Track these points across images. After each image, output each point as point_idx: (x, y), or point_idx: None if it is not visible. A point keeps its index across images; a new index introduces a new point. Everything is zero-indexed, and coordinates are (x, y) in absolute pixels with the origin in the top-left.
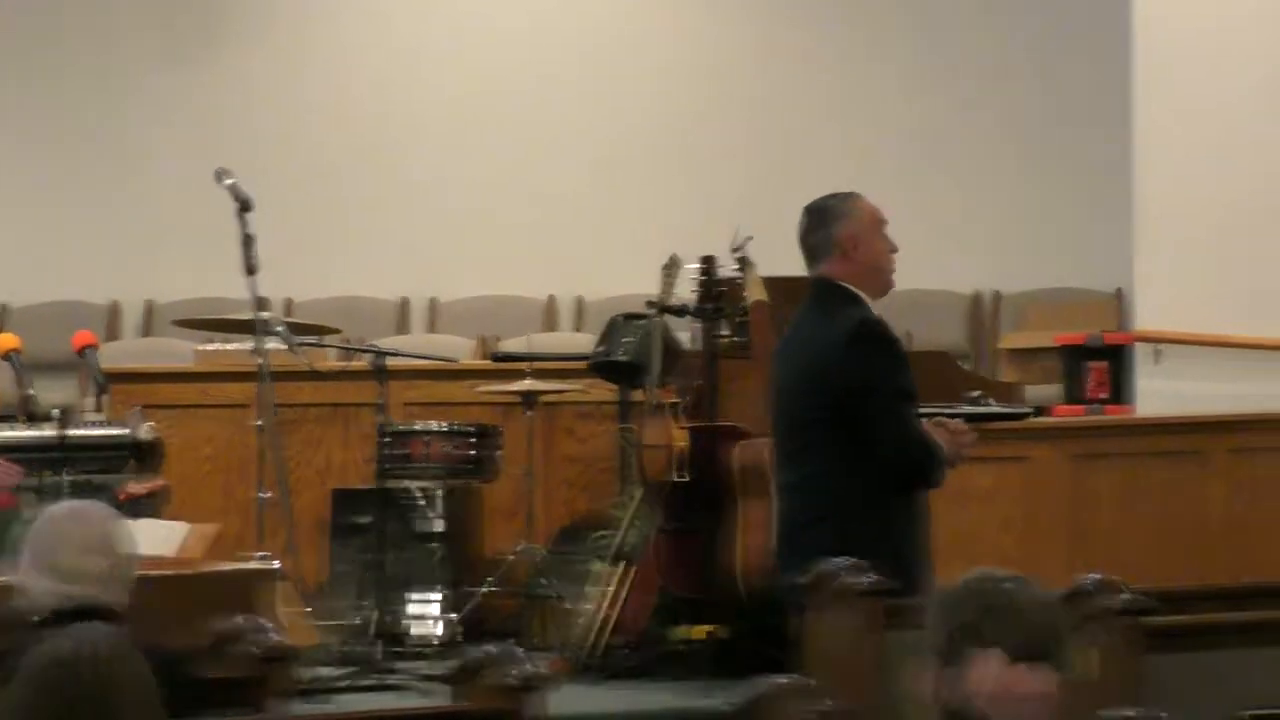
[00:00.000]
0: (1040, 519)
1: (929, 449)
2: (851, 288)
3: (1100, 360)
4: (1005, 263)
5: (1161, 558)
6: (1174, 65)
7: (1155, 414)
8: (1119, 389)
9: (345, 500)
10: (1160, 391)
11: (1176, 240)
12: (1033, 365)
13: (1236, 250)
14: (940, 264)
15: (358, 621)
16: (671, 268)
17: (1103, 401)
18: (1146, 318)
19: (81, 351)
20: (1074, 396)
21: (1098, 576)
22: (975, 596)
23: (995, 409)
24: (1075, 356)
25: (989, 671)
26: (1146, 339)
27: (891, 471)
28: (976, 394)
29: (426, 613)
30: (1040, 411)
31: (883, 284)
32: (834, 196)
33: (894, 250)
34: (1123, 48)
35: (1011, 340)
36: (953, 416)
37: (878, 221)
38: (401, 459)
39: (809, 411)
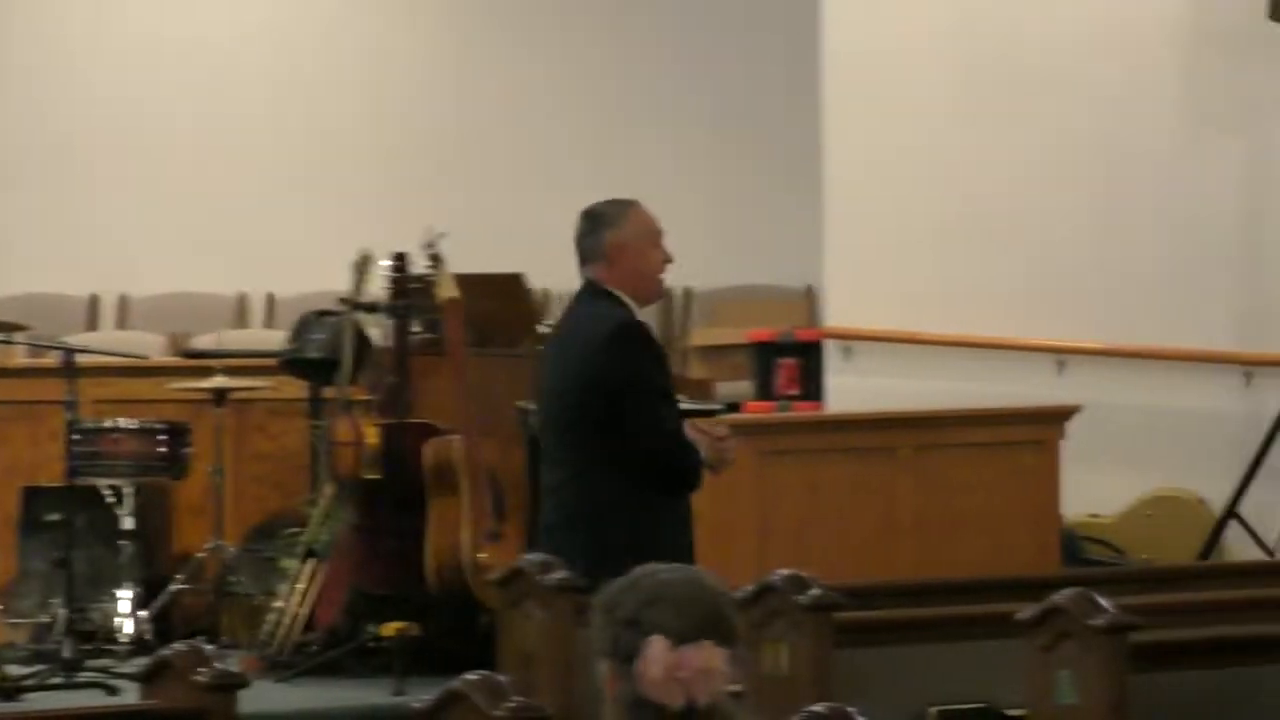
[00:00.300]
0: (729, 515)
1: (686, 451)
2: (617, 292)
3: (791, 357)
4: (696, 260)
5: (850, 553)
6: (862, 68)
7: (845, 410)
8: (809, 385)
9: (35, 498)
10: (850, 388)
11: (865, 238)
12: (724, 362)
13: (923, 249)
14: None
15: (47, 619)
16: (363, 264)
17: (793, 398)
18: (836, 315)
19: None
20: (765, 393)
21: (786, 572)
22: (633, 591)
23: (687, 406)
24: (766, 353)
25: (652, 658)
26: (836, 336)
27: (648, 472)
28: None
29: (117, 610)
30: (732, 408)
31: (649, 292)
32: (612, 203)
33: (668, 260)
34: (813, 49)
35: (703, 337)
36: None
37: (651, 231)
38: (91, 456)
39: (569, 411)
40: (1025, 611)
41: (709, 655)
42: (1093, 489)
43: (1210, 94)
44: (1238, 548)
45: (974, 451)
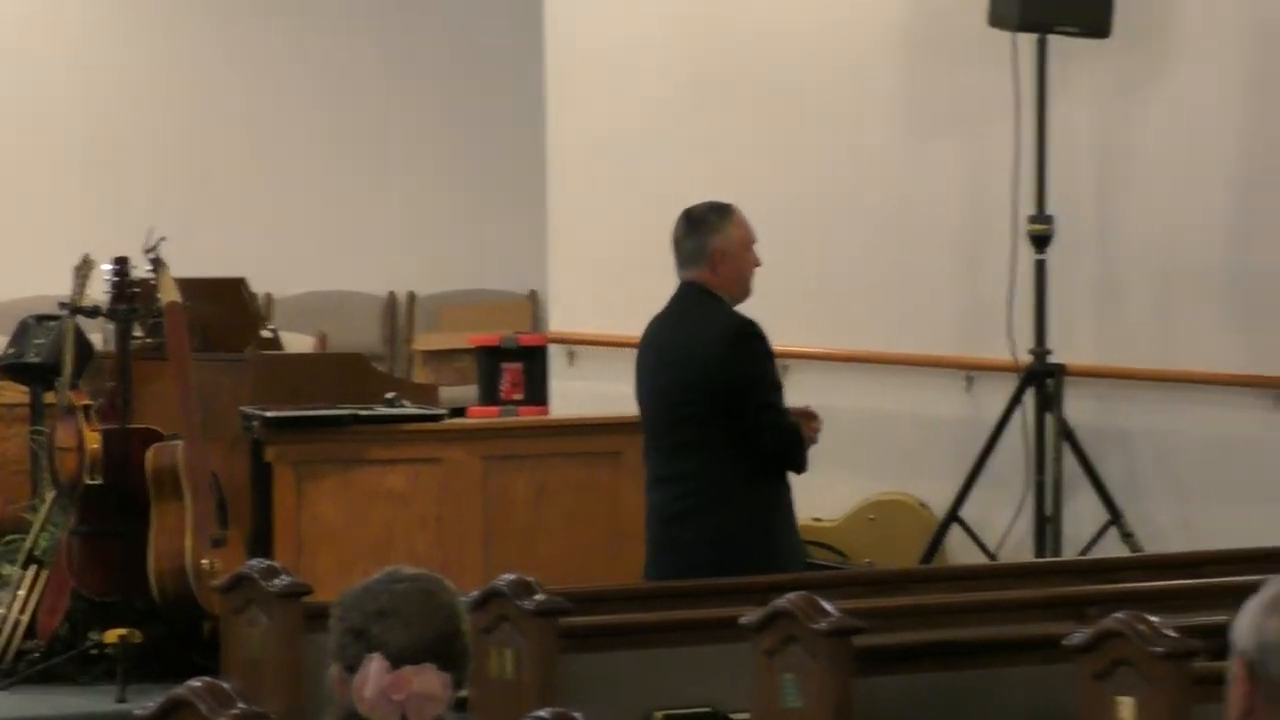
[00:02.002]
0: (456, 520)
1: (799, 437)
2: (716, 292)
3: (515, 362)
4: (420, 264)
5: (577, 558)
6: (584, 74)
7: (569, 415)
8: (534, 390)
9: None
10: (574, 392)
11: (588, 243)
12: (448, 367)
13: (647, 253)
14: (354, 265)
15: None
16: (84, 269)
17: (518, 403)
18: (560, 319)
19: None
20: (489, 398)
21: (513, 577)
22: (365, 600)
23: (410, 410)
24: (490, 358)
25: (369, 677)
26: (560, 340)
27: (772, 460)
28: (392, 396)
29: None
30: (456, 413)
31: (745, 294)
32: (714, 208)
33: (758, 265)
34: (538, 51)
35: (426, 342)
36: (369, 419)
37: (750, 238)
38: None
39: (686, 408)
40: (750, 615)
41: (428, 680)
42: (815, 493)
43: (931, 99)
44: (960, 551)
45: None
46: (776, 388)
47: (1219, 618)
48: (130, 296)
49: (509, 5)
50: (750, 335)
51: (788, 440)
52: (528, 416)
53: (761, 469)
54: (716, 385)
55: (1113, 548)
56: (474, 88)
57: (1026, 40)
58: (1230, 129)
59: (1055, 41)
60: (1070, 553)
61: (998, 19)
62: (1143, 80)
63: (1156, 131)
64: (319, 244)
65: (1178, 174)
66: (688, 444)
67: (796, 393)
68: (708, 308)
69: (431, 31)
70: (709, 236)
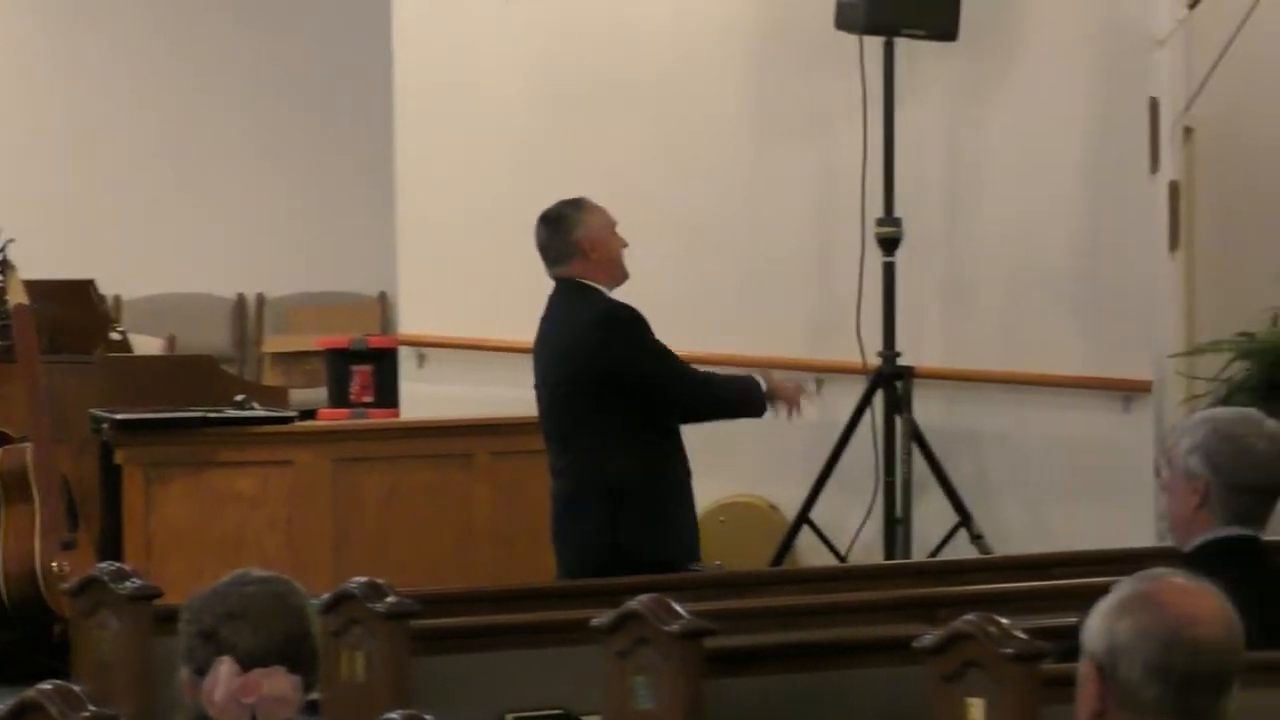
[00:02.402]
0: (306, 523)
1: (714, 384)
2: (591, 283)
3: (365, 364)
4: (269, 266)
5: (427, 560)
6: (432, 75)
7: (420, 417)
8: (384, 393)
9: None
10: (425, 395)
11: (438, 244)
12: (297, 369)
13: (496, 255)
14: (203, 267)
15: None
16: None
17: (368, 405)
18: (410, 322)
19: None
20: (339, 400)
21: (363, 580)
22: (215, 603)
23: (260, 413)
24: (339, 360)
25: (219, 680)
26: (410, 343)
27: (706, 414)
28: (241, 398)
29: None
30: (305, 415)
31: (620, 276)
32: (566, 204)
33: (625, 245)
34: (384, 55)
35: (275, 344)
36: (218, 421)
37: (610, 221)
38: None
39: (573, 398)
40: (601, 618)
41: (278, 682)
42: None
43: (778, 102)
44: (810, 553)
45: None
46: (661, 356)
47: (1068, 619)
48: None
49: (358, 6)
50: (619, 319)
51: (703, 393)
52: (378, 419)
53: (657, 458)
54: (596, 373)
55: (962, 549)
56: (323, 89)
57: (874, 43)
58: (1076, 131)
59: (902, 44)
60: (920, 554)
61: (844, 21)
62: (989, 83)
63: (1003, 134)
64: (168, 246)
65: (1025, 176)
66: (578, 435)
67: None
68: (581, 299)
69: (281, 32)
70: (572, 231)
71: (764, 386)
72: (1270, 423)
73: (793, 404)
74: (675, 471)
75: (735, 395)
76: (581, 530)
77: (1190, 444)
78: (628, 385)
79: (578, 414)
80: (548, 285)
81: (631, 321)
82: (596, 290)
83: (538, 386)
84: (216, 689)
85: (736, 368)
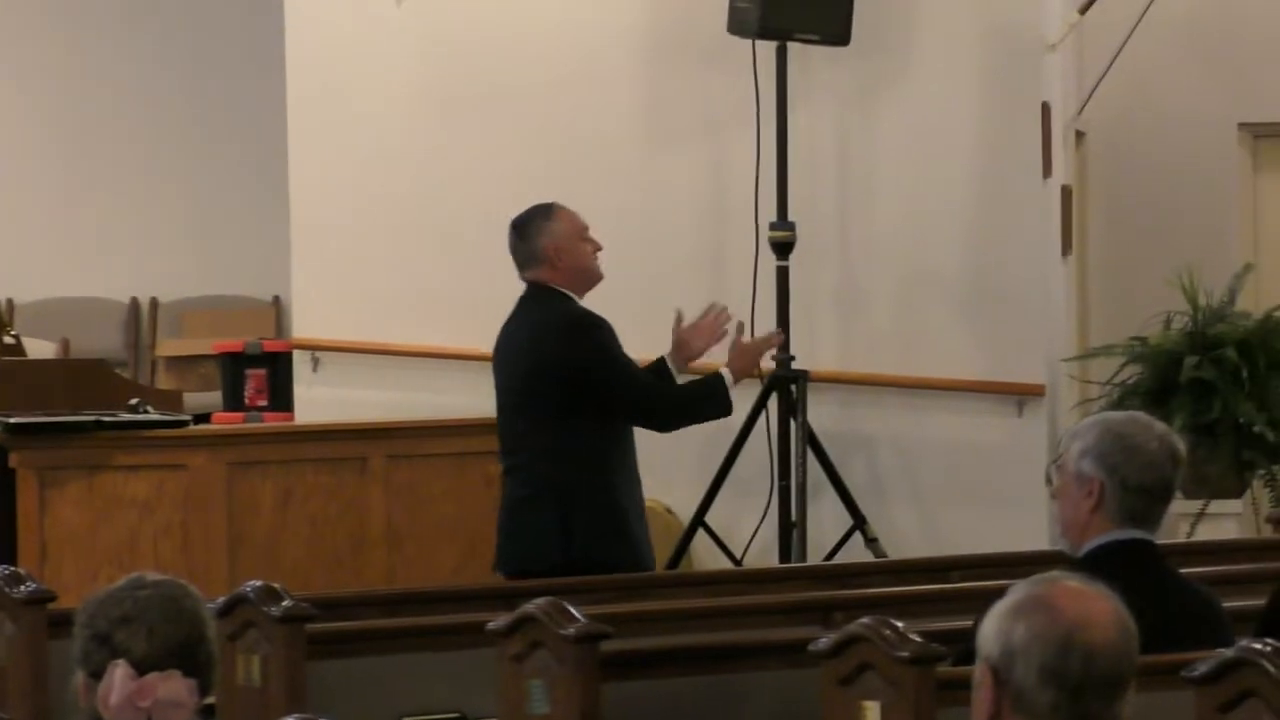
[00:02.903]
0: (201, 527)
1: (686, 396)
2: (559, 288)
3: (259, 368)
4: (162, 270)
5: (322, 564)
6: (325, 79)
7: (314, 421)
8: (279, 396)
9: None
10: (320, 399)
11: (333, 248)
12: (191, 373)
13: (390, 259)
14: (96, 271)
15: None
16: None
17: (262, 409)
18: (305, 325)
19: None
20: (233, 404)
21: (259, 584)
22: (109, 607)
23: (154, 417)
24: (234, 364)
25: (114, 684)
26: (305, 346)
27: (664, 421)
28: (135, 402)
29: None
30: (200, 419)
31: (589, 282)
32: (536, 209)
33: (598, 249)
34: (277, 58)
35: (169, 348)
36: (112, 425)
37: (580, 227)
38: None
39: (530, 398)
40: (497, 621)
41: (174, 686)
42: None
43: (672, 106)
44: (706, 557)
45: (444, 462)
46: (621, 363)
47: (963, 623)
48: None
49: (250, 11)
50: (580, 325)
51: (657, 403)
52: (272, 423)
53: (610, 464)
54: (554, 376)
55: (857, 553)
56: (216, 92)
57: (766, 47)
58: (969, 136)
59: (795, 49)
60: (815, 558)
61: (737, 26)
62: (882, 87)
63: (896, 138)
64: (60, 250)
65: (918, 181)
66: (533, 436)
67: None
68: (545, 304)
69: (172, 36)
70: (538, 239)
71: (729, 379)
72: (1160, 425)
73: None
74: (627, 478)
75: (697, 395)
76: (534, 530)
77: (1082, 447)
78: (585, 390)
79: (535, 416)
80: (440, 288)
81: (593, 328)
82: (563, 296)
83: (497, 387)
84: (112, 693)
85: None
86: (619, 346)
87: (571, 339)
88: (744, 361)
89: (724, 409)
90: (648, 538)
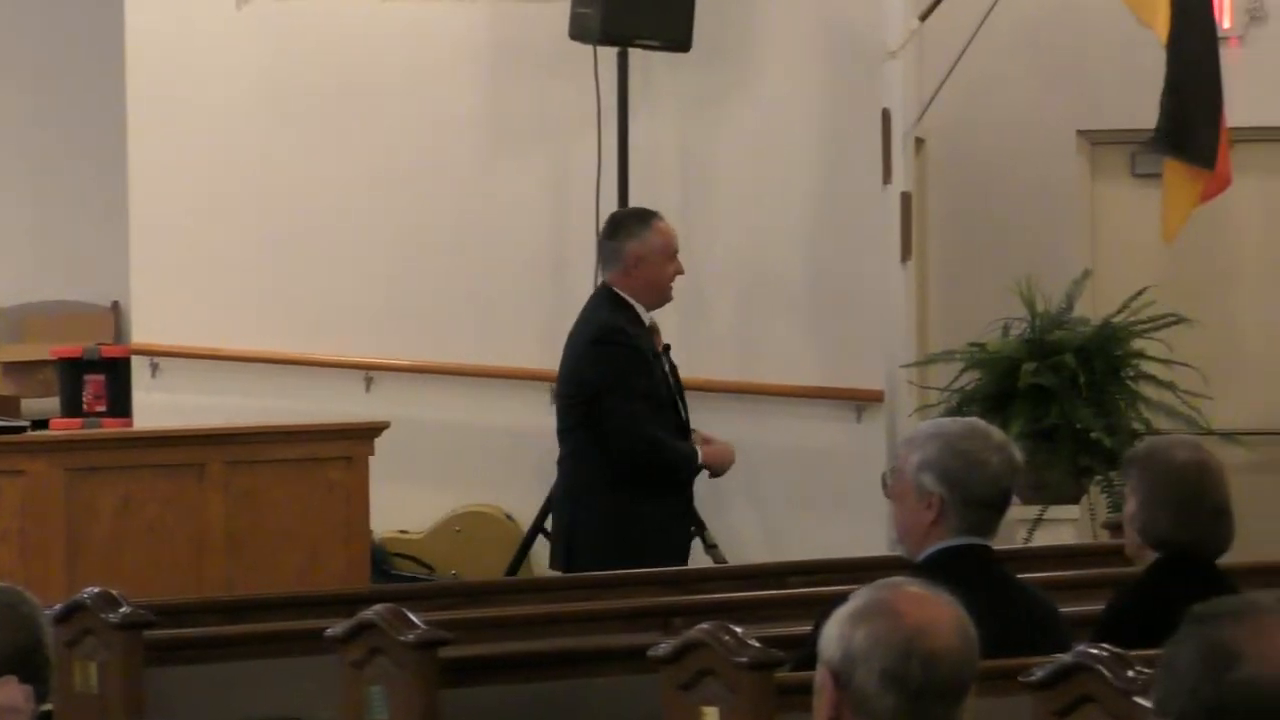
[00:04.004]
0: (38, 533)
1: (657, 448)
2: (626, 296)
3: (98, 373)
4: (1, 274)
5: (162, 571)
6: (165, 85)
7: (153, 427)
8: (118, 402)
9: None
10: (159, 405)
11: (172, 254)
12: (30, 378)
13: (231, 265)
14: None
15: None
16: None
17: (101, 414)
18: (143, 331)
19: None
20: (72, 409)
21: (97, 590)
22: None
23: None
24: (72, 369)
25: None
26: (143, 352)
27: (625, 465)
28: None
29: None
30: (38, 425)
31: (658, 299)
32: (637, 214)
33: (679, 273)
34: (116, 60)
35: (8, 353)
36: None
37: (670, 247)
38: None
39: (564, 400)
40: (336, 627)
41: (10, 692)
42: (402, 505)
43: (513, 111)
44: (546, 562)
45: (285, 468)
46: (634, 394)
47: (803, 628)
48: None
49: (89, 15)
50: (607, 340)
51: (638, 448)
52: (111, 428)
53: (626, 474)
54: (579, 384)
55: (697, 559)
56: (57, 95)
57: (608, 53)
58: (809, 142)
59: (637, 55)
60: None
61: (578, 32)
62: (723, 93)
63: (737, 144)
64: None
65: (759, 187)
66: (564, 433)
67: (382, 406)
68: (599, 310)
69: (10, 34)
70: (626, 241)
71: (699, 459)
72: (997, 433)
73: (721, 472)
74: (641, 483)
75: (667, 461)
76: (555, 532)
77: (922, 459)
78: (596, 405)
79: (567, 417)
80: (280, 294)
81: (619, 347)
82: (622, 304)
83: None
84: None
85: (469, 377)
86: (635, 369)
87: (593, 356)
88: (716, 461)
89: (680, 479)
90: (676, 549)
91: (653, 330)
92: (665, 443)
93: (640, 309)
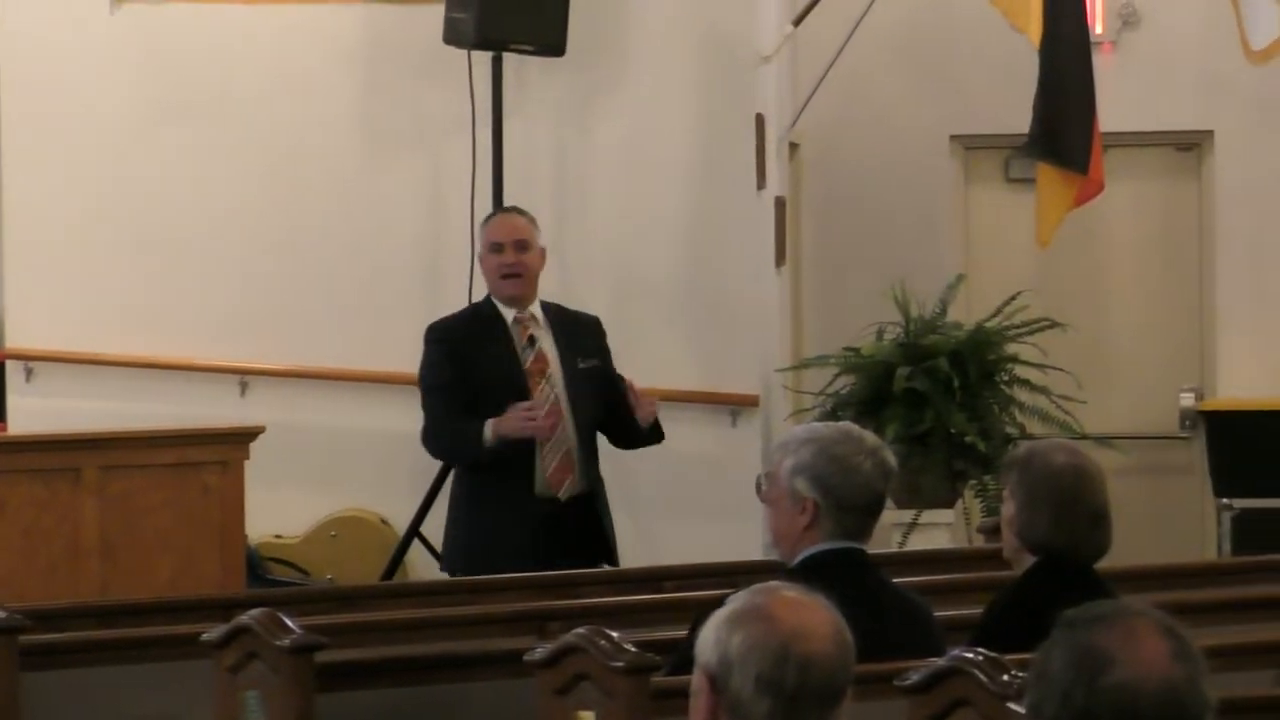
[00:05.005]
0: None
1: (435, 433)
2: (489, 291)
3: None
4: None
5: (36, 576)
6: (38, 85)
7: (27, 431)
8: None
9: None
10: (33, 409)
11: (44, 257)
12: None
13: (107, 268)
14: None
15: None
16: None
17: None
18: (17, 335)
19: None
20: None
21: None
22: None
23: None
24: None
25: None
26: (18, 356)
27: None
28: None
29: None
30: None
31: (498, 294)
32: (491, 213)
33: (506, 265)
34: None
35: None
36: None
37: (489, 240)
38: None
39: None
40: (211, 632)
41: None
42: (277, 509)
43: (387, 116)
44: (421, 567)
45: (159, 472)
46: (427, 389)
47: (678, 632)
48: None
49: None
50: (427, 336)
51: (431, 438)
52: None
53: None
54: None
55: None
56: None
57: (482, 58)
58: (683, 146)
59: (511, 59)
60: None
61: (452, 37)
62: (597, 97)
63: (611, 148)
64: None
65: (632, 191)
66: None
67: (258, 410)
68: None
69: None
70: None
71: (487, 434)
72: (870, 437)
73: (526, 429)
74: (480, 484)
75: (445, 446)
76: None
77: (795, 464)
78: None
79: None
80: (155, 298)
81: (430, 346)
82: (488, 300)
83: None
84: None
85: (345, 381)
86: (439, 364)
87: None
88: (506, 429)
89: (468, 458)
90: (499, 543)
91: (521, 322)
92: (444, 425)
93: (500, 303)
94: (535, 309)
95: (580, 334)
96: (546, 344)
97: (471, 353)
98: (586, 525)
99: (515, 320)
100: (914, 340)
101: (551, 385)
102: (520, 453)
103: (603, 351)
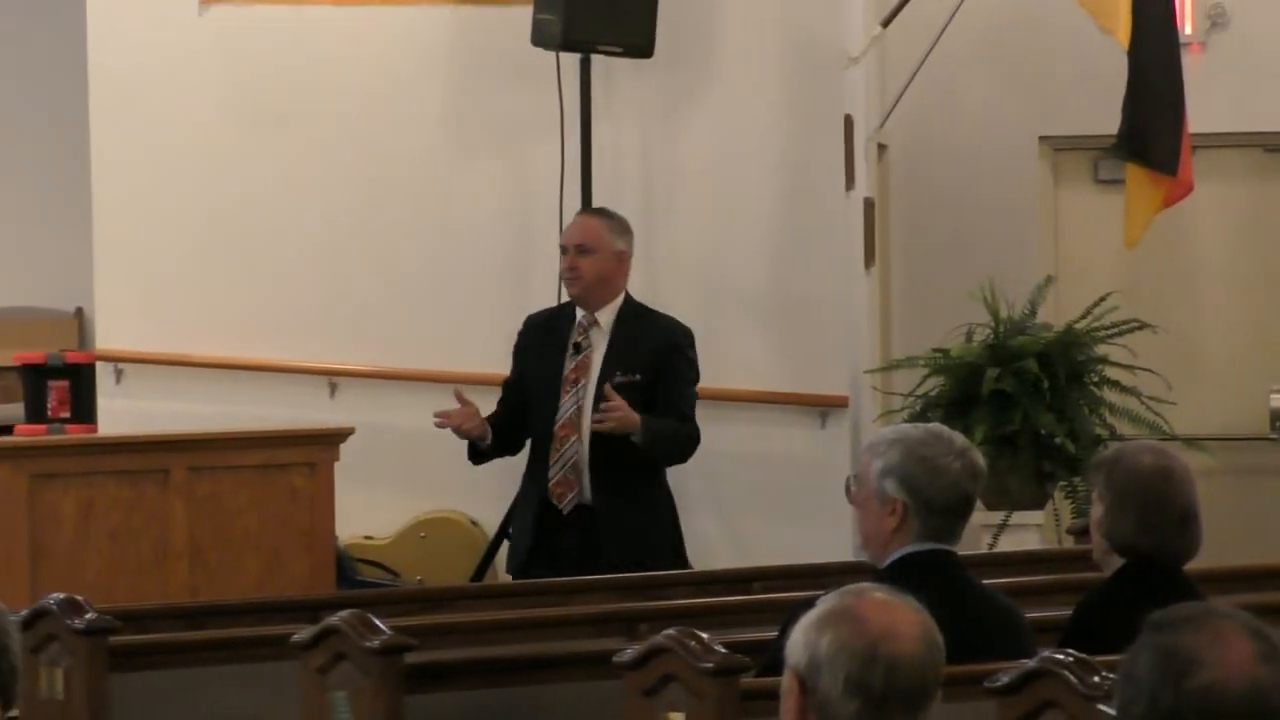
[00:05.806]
0: (3, 539)
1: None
2: None
3: (61, 379)
4: None
5: (126, 577)
6: (129, 88)
7: (117, 433)
8: (81, 408)
9: None
10: (122, 411)
11: (135, 259)
12: None
13: (194, 271)
14: None
15: None
16: None
17: (65, 421)
18: (107, 337)
19: None
20: (35, 416)
21: (61, 597)
22: None
23: None
24: (36, 376)
25: None
26: (108, 358)
27: None
28: None
29: None
30: (2, 431)
31: (570, 292)
32: None
33: (570, 266)
34: (79, 65)
35: None
36: None
37: (562, 241)
38: None
39: None
40: (301, 633)
41: None
42: (366, 511)
43: (476, 119)
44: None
45: (247, 474)
46: (505, 384)
47: (767, 634)
48: None
49: (50, 21)
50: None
51: None
52: (75, 434)
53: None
54: None
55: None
56: (18, 101)
57: (570, 60)
58: (771, 148)
59: (599, 61)
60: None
61: (540, 38)
62: (685, 100)
63: (699, 151)
64: None
65: (720, 193)
66: None
67: (346, 411)
68: None
69: None
70: None
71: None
72: (959, 438)
73: (460, 426)
74: (521, 489)
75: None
76: None
77: (884, 466)
78: None
79: None
80: (243, 301)
81: (518, 335)
82: (569, 300)
83: None
84: None
85: (434, 382)
86: (513, 358)
87: None
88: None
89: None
90: (531, 546)
91: (583, 325)
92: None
93: (578, 305)
94: (605, 314)
95: (641, 345)
96: (597, 353)
97: (535, 351)
98: (584, 540)
99: (578, 324)
100: (1003, 341)
101: (577, 396)
102: (538, 459)
103: (662, 366)
